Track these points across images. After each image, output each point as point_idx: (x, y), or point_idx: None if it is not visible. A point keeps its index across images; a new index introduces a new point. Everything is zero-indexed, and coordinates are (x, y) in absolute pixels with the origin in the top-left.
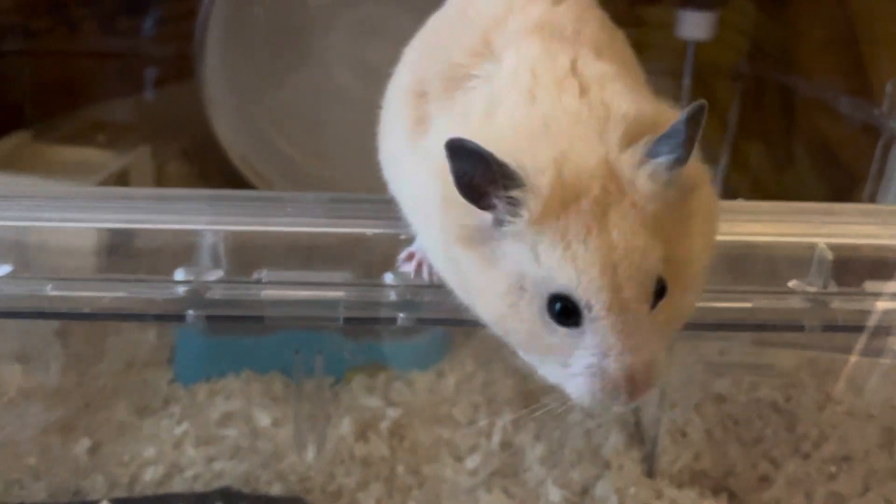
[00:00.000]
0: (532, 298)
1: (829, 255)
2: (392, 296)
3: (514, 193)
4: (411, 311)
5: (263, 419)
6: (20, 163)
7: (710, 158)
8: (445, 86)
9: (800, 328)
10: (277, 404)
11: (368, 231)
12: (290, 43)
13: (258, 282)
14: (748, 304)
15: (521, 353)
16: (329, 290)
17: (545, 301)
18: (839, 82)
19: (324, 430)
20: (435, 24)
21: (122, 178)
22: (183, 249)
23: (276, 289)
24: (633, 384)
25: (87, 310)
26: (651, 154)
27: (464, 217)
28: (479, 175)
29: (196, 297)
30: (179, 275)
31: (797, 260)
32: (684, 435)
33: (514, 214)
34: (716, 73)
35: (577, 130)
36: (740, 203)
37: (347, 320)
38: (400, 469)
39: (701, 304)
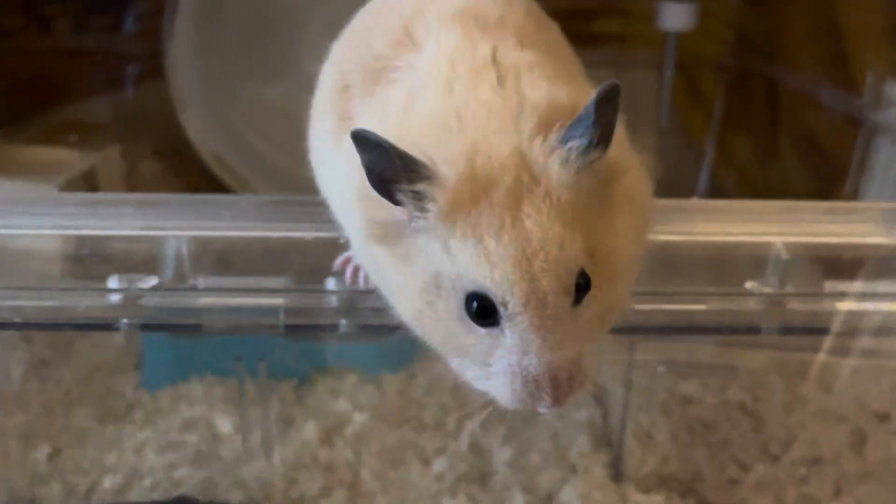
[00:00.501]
0: (449, 297)
1: (785, 255)
2: (333, 302)
3: (419, 187)
4: (354, 318)
5: (224, 425)
6: None
7: (696, 151)
8: (368, 78)
9: (756, 330)
10: (239, 410)
11: (307, 235)
12: (262, 39)
13: (194, 289)
14: (703, 307)
15: (443, 355)
16: (268, 296)
17: (462, 300)
18: (823, 73)
19: (271, 436)
20: (360, 17)
21: (89, 179)
22: (116, 256)
23: (214, 296)
24: (557, 383)
25: (17, 319)
26: (563, 140)
27: (378, 212)
28: (385, 168)
29: (129, 305)
30: (112, 282)
31: (754, 260)
32: (650, 438)
33: (422, 209)
34: (699, 65)
35: (491, 122)
36: (695, 202)
37: (288, 328)
38: (365, 474)
39: (652, 307)
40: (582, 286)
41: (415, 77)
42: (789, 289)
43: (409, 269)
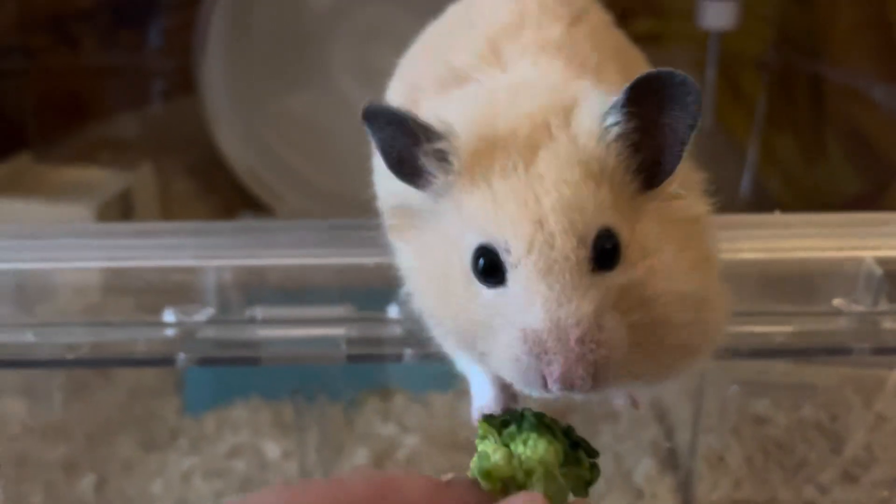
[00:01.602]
0: (459, 262)
1: (879, 271)
2: (397, 330)
3: (440, 145)
4: (418, 347)
5: (273, 450)
6: (21, 186)
7: (739, 152)
8: (440, 86)
9: (847, 352)
10: (287, 434)
11: (368, 261)
12: (292, 52)
13: (252, 320)
14: (789, 328)
15: (459, 355)
16: (329, 326)
17: (470, 261)
18: (872, 69)
19: (330, 464)
20: (432, 34)
21: (124, 199)
22: (170, 288)
23: (272, 327)
24: (566, 345)
25: (70, 357)
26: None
27: (398, 199)
28: (401, 139)
29: (186, 339)
30: (168, 316)
31: (843, 276)
32: (722, 460)
33: (443, 169)
34: (741, 64)
35: (536, 100)
36: (777, 216)
37: (350, 358)
38: None
39: (736, 329)
40: (609, 251)
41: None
42: (883, 307)
43: (429, 250)
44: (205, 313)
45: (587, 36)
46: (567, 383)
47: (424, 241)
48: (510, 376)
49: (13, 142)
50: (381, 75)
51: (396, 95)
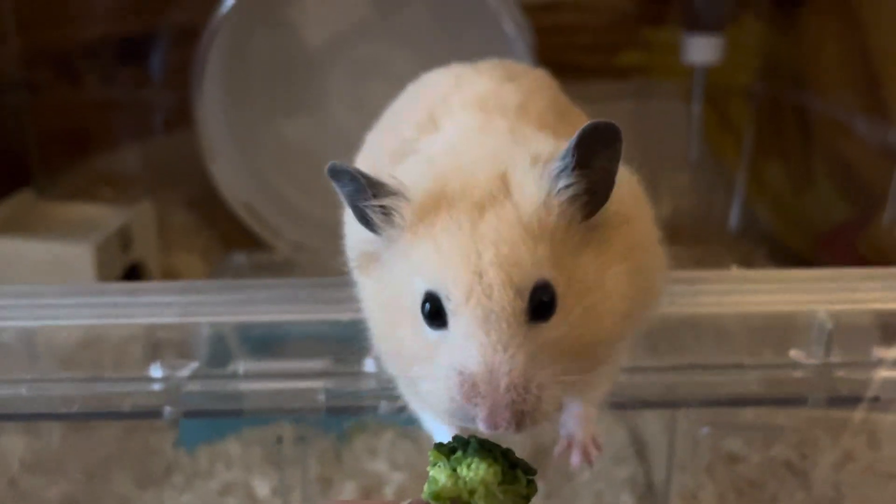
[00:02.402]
0: (408, 307)
1: (829, 324)
2: (373, 384)
3: (386, 202)
4: (394, 399)
5: (262, 488)
6: (25, 224)
7: (728, 181)
8: (394, 158)
9: (802, 401)
10: (279, 469)
11: (344, 317)
12: (288, 86)
13: (234, 374)
14: (746, 378)
15: (423, 411)
16: (308, 379)
17: (418, 306)
18: (854, 99)
19: (311, 498)
20: (393, 108)
21: (123, 234)
22: (158, 343)
23: (254, 381)
24: (495, 390)
25: (61, 410)
26: (546, 167)
27: (362, 244)
28: (356, 193)
29: (172, 393)
30: (155, 371)
31: (797, 329)
32: (695, 498)
33: (388, 223)
34: (727, 94)
35: (485, 154)
36: (735, 272)
37: (329, 410)
38: None
39: (695, 379)
40: (546, 303)
41: (431, 149)
42: (834, 358)
43: (383, 291)
44: (190, 367)
45: (515, 89)
46: (492, 425)
47: (382, 278)
48: (445, 411)
49: (16, 177)
50: (377, 108)
51: (361, 168)
